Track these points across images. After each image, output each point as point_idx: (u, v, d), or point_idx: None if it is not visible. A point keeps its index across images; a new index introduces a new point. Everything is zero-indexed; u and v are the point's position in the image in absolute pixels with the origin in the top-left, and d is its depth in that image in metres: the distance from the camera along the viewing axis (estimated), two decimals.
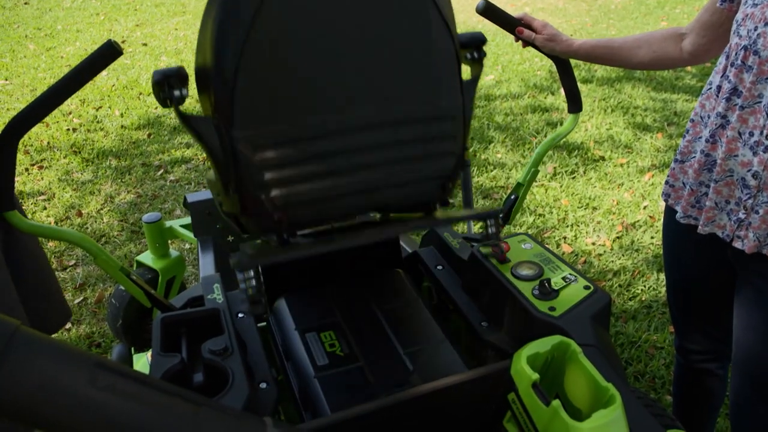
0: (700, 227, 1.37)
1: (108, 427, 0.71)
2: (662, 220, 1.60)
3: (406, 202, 1.18)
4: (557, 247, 3.00)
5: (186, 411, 0.76)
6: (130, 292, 1.56)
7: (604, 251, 2.97)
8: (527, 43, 1.58)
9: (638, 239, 3.04)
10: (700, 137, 1.36)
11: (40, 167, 3.71)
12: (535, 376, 1.02)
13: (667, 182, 1.48)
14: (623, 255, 2.92)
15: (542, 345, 1.08)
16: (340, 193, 1.11)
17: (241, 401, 1.09)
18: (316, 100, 1.06)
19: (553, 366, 1.12)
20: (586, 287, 1.36)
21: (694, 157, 1.38)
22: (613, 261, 2.88)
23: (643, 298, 2.63)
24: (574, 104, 1.65)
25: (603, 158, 3.85)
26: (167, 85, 1.06)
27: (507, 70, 5.54)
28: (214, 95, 1.04)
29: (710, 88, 1.33)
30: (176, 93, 1.06)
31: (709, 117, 1.33)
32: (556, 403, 0.98)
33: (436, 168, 1.18)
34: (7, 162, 1.30)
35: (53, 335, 1.72)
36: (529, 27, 1.55)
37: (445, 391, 1.12)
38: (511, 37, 1.59)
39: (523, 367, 1.03)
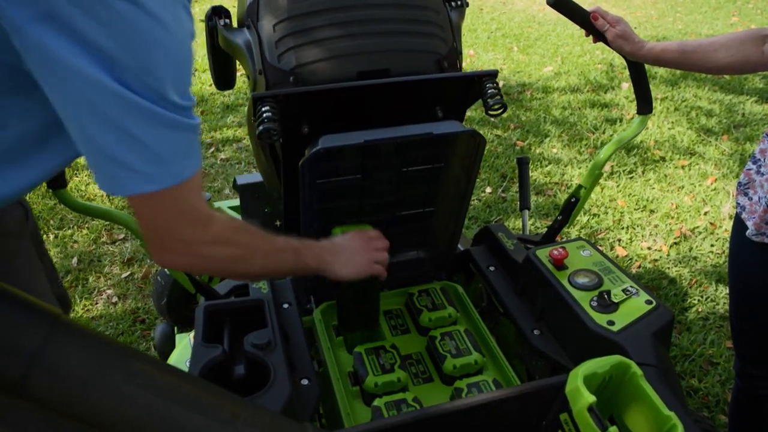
0: None
1: (144, 425, 0.68)
2: (730, 233, 1.50)
3: (405, 68, 1.40)
4: (611, 250, 2.89)
5: (226, 413, 0.73)
6: (174, 277, 1.55)
7: (660, 257, 2.85)
8: (598, 37, 1.49)
9: (697, 247, 2.91)
10: None
11: None
12: (592, 398, 0.95)
13: (744, 192, 1.38)
14: (680, 262, 2.80)
15: (600, 365, 1.01)
16: (344, 53, 1.36)
17: (282, 400, 1.06)
18: None
19: (609, 386, 1.05)
20: (648, 302, 1.28)
21: None
22: (669, 268, 2.77)
23: (700, 309, 2.51)
24: (645, 105, 1.55)
25: (663, 159, 3.70)
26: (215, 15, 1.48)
27: (566, 62, 5.38)
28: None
29: None
30: (220, 22, 1.47)
31: None
32: (613, 429, 0.92)
33: (428, 44, 1.42)
34: None
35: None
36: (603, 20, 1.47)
37: (494, 405, 1.06)
38: (573, 29, 1.51)
39: (579, 388, 0.97)
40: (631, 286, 1.31)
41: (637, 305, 1.27)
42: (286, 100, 1.27)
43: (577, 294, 1.30)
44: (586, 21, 1.44)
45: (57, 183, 1.32)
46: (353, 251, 1.24)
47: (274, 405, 1.05)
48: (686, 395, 2.14)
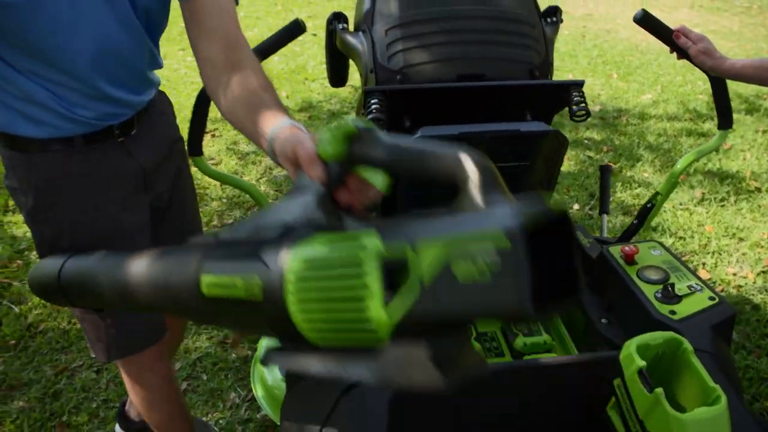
0: None
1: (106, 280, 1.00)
2: None
3: (500, 74, 1.57)
4: None
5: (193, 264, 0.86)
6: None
7: (746, 283, 2.85)
8: (681, 54, 1.60)
9: None
10: None
11: (213, 135, 4.11)
12: (642, 362, 1.07)
13: None
14: (766, 291, 2.79)
15: (653, 338, 1.13)
16: (446, 58, 1.55)
17: None
18: None
19: (662, 362, 1.16)
20: (711, 298, 1.38)
21: None
22: (753, 294, 2.77)
23: None
24: (725, 120, 1.65)
25: (758, 190, 3.66)
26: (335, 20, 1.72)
27: (666, 90, 5.36)
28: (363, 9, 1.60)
29: None
30: (339, 26, 1.71)
31: None
32: (659, 390, 1.02)
33: (522, 54, 1.60)
34: (202, 114, 1.53)
35: None
36: (686, 38, 1.57)
37: (555, 369, 1.20)
38: (674, 58, 1.62)
39: (631, 354, 1.09)
40: (696, 283, 1.41)
41: (699, 300, 1.37)
42: (394, 94, 1.46)
43: (643, 286, 1.41)
44: (669, 38, 1.56)
45: (194, 150, 1.56)
46: None
47: None
48: (760, 415, 2.16)
